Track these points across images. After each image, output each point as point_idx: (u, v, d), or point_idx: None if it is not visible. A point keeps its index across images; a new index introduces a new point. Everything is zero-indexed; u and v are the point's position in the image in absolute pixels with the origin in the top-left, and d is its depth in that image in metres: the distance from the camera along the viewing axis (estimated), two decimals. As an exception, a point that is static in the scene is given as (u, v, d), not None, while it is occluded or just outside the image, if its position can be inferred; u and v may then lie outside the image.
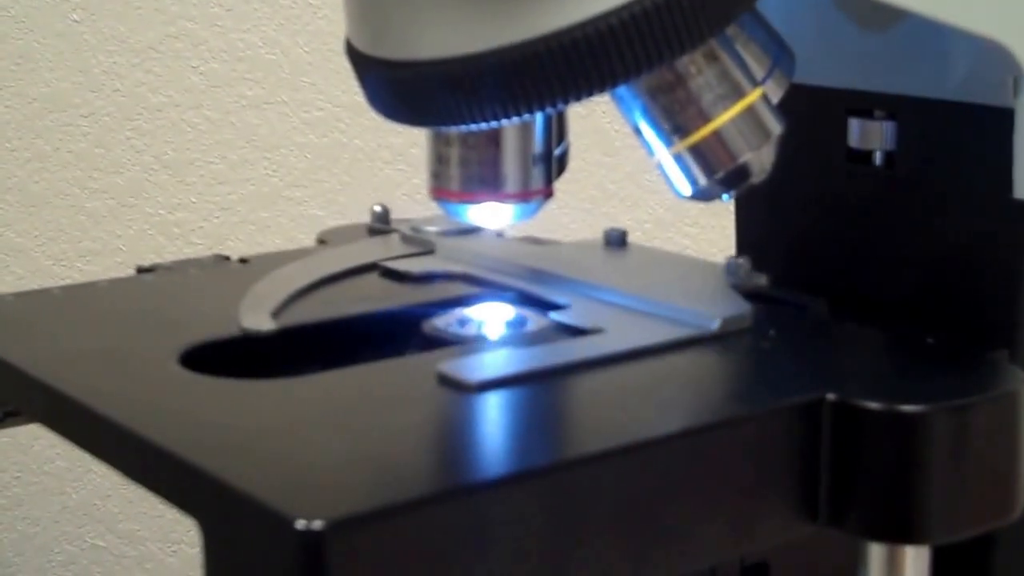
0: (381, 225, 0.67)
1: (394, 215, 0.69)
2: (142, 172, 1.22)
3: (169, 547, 1.27)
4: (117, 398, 0.44)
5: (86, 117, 1.21)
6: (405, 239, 0.64)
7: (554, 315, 0.52)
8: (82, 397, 0.44)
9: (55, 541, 1.29)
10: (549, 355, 0.48)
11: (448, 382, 0.45)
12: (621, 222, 1.14)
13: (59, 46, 1.20)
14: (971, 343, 0.51)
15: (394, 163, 1.18)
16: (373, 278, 0.59)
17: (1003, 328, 0.53)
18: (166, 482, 0.40)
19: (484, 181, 0.50)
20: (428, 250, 0.62)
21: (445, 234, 0.63)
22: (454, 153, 0.50)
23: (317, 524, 0.34)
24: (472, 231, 0.63)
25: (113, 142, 1.22)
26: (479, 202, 0.50)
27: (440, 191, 0.51)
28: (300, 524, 0.34)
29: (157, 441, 0.40)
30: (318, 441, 0.41)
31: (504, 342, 0.52)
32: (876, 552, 0.45)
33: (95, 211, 1.23)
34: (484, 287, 0.57)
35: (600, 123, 1.12)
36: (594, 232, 0.65)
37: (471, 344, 0.51)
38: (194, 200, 1.21)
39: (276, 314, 0.52)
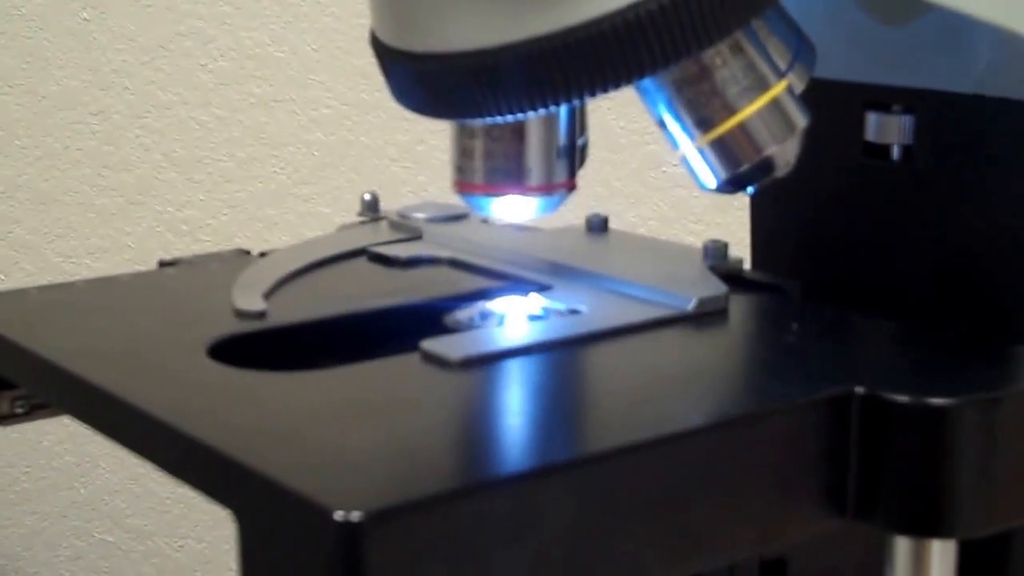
0: (371, 213, 0.68)
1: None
2: (151, 170, 1.22)
3: (176, 542, 1.27)
4: (149, 390, 0.44)
5: (95, 115, 1.22)
6: (393, 225, 0.65)
7: (537, 296, 0.54)
8: (114, 389, 0.44)
9: (63, 536, 1.29)
10: (530, 333, 0.50)
11: (431, 359, 0.46)
12: (625, 219, 1.15)
13: (69, 44, 1.21)
14: (988, 338, 0.51)
15: (400, 160, 1.18)
16: (364, 264, 0.60)
17: (1020, 323, 0.53)
18: (201, 474, 0.40)
19: (508, 174, 0.50)
20: (416, 236, 0.64)
21: (432, 220, 0.65)
22: (478, 146, 0.50)
23: (356, 515, 0.34)
24: (456, 218, 0.65)
25: (122, 140, 1.22)
26: (503, 195, 0.50)
27: (464, 184, 0.51)
28: (339, 515, 0.34)
29: (192, 433, 0.40)
30: (353, 433, 0.41)
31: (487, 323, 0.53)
32: (902, 546, 0.45)
33: (104, 208, 1.23)
34: (469, 271, 0.59)
35: (605, 119, 1.12)
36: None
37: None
38: (202, 198, 1.21)
39: (268, 296, 0.54)
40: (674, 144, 0.50)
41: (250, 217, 1.21)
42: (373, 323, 0.52)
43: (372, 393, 0.45)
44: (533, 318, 0.53)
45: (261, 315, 0.52)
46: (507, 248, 0.60)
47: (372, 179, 1.18)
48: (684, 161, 0.50)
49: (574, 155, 0.52)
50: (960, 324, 0.53)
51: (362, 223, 0.67)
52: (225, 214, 1.21)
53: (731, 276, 0.56)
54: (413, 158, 1.18)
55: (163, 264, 0.60)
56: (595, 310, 0.52)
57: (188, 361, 0.47)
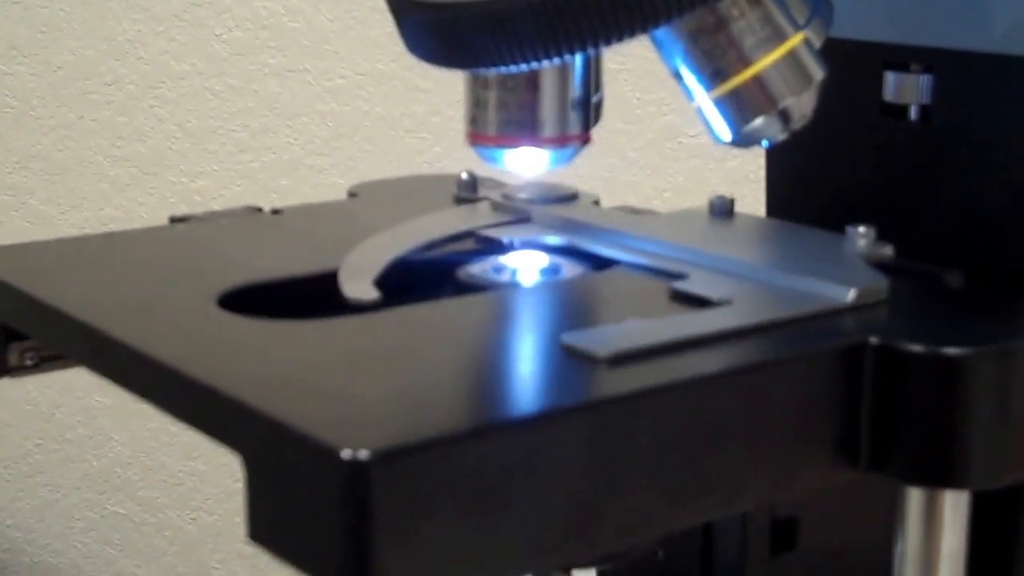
0: (468, 194, 0.64)
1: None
2: (165, 140, 1.22)
3: (188, 514, 1.27)
4: (158, 338, 0.44)
5: (110, 85, 1.21)
6: (496, 207, 0.61)
7: (676, 285, 0.49)
8: (124, 337, 0.44)
9: (76, 508, 1.29)
10: (681, 326, 0.44)
11: (576, 354, 0.42)
12: (641, 191, 1.14)
13: (83, 14, 1.20)
14: (1004, 292, 0.51)
15: (416, 131, 1.17)
16: (472, 248, 0.57)
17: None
18: (210, 418, 0.40)
19: (522, 125, 0.50)
20: (524, 218, 0.59)
21: (536, 202, 0.60)
22: (492, 97, 0.50)
23: (363, 454, 0.34)
24: (566, 199, 0.61)
25: (136, 110, 1.22)
26: (516, 146, 0.50)
27: (477, 136, 0.51)
28: (346, 454, 0.34)
29: (201, 378, 0.40)
30: (362, 377, 0.41)
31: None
32: (915, 497, 0.45)
33: (118, 179, 1.23)
34: (592, 259, 0.54)
35: (621, 91, 1.12)
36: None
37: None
38: (216, 168, 1.21)
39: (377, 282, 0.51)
40: (690, 96, 0.49)
41: (263, 187, 1.20)
42: (387, 276, 0.52)
43: (384, 340, 0.45)
44: (546, 272, 0.53)
45: (375, 305, 0.48)
46: (627, 232, 0.55)
47: (386, 150, 1.18)
48: (699, 113, 0.49)
49: (588, 108, 0.51)
50: (976, 280, 0.53)
51: (462, 204, 0.63)
52: (239, 185, 1.21)
53: (883, 264, 0.52)
54: (428, 129, 1.17)
55: (174, 220, 0.60)
56: (745, 302, 0.47)
57: (198, 310, 0.47)
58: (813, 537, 0.54)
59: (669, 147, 1.13)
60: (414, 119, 1.17)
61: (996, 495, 0.45)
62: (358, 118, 1.18)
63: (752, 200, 0.65)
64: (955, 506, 0.44)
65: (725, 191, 0.60)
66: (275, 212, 0.62)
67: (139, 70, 1.21)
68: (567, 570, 0.47)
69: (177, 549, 1.29)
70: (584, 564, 0.50)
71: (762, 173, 0.64)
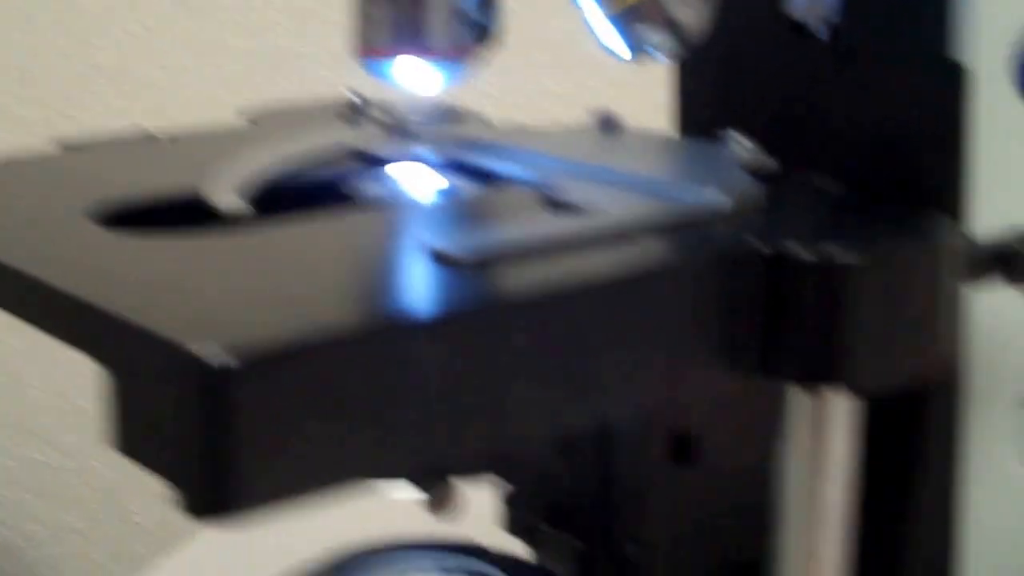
0: (354, 112, 0.64)
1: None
2: (75, 79, 1.19)
3: (109, 459, 1.26)
4: (26, 253, 0.43)
5: (17, 23, 1.19)
6: (380, 125, 0.60)
7: (551, 194, 0.49)
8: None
9: (-8, 455, 1.27)
10: (547, 229, 0.44)
11: (442, 259, 0.41)
12: (565, 122, 1.13)
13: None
14: (903, 204, 0.51)
15: (334, 68, 1.15)
16: (351, 164, 0.56)
17: (942, 192, 0.52)
18: (75, 329, 0.39)
19: (411, 38, 0.49)
20: (410, 136, 0.58)
21: (421, 121, 0.58)
22: (379, 10, 0.49)
23: (227, 360, 0.33)
24: (451, 118, 0.60)
25: (46, 50, 1.19)
26: (406, 56, 0.49)
27: (366, 50, 0.50)
28: (208, 359, 0.33)
29: (65, 289, 0.39)
30: (228, 286, 0.40)
31: (488, 212, 0.50)
32: (803, 403, 0.45)
33: (26, 119, 1.21)
34: (469, 172, 0.54)
35: (543, 18, 1.10)
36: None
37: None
38: (129, 106, 1.19)
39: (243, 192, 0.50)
40: (586, 20, 0.48)
41: (178, 125, 1.18)
42: (271, 193, 0.51)
43: (254, 252, 0.44)
44: (443, 193, 0.52)
45: (242, 214, 0.48)
46: (510, 147, 0.55)
47: (304, 87, 1.16)
48: (591, 31, 0.49)
49: (481, 23, 0.51)
50: (881, 195, 0.53)
51: (346, 122, 0.63)
52: (152, 124, 1.19)
53: (763, 173, 0.51)
54: (347, 64, 1.15)
55: (67, 148, 0.59)
56: (620, 209, 0.47)
57: (72, 227, 0.46)
58: (712, 454, 0.53)
59: (592, 81, 1.11)
60: (333, 55, 1.15)
61: (897, 407, 0.45)
62: (276, 55, 1.16)
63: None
64: (844, 412, 0.45)
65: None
66: (172, 140, 0.61)
67: (48, 7, 1.18)
68: (443, 476, 0.47)
69: (100, 496, 1.27)
70: (474, 473, 0.50)
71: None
